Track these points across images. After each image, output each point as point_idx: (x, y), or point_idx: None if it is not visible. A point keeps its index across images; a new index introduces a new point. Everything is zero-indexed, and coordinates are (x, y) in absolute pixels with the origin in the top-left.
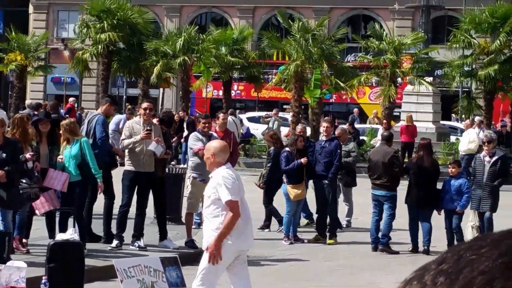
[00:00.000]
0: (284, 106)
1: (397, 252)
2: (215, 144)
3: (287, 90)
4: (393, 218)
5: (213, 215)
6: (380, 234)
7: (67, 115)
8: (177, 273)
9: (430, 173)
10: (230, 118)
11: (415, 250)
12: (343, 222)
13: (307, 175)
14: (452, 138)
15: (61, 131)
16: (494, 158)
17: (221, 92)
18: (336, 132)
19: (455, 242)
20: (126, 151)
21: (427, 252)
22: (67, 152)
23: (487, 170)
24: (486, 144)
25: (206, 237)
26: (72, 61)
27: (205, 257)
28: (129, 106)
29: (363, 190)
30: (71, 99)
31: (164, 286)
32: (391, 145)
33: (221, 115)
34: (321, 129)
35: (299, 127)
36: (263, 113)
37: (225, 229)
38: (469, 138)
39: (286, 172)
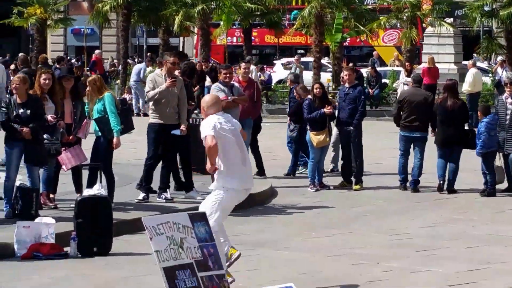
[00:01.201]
0: (299, 51)
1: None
2: (206, 98)
3: (309, 35)
4: (422, 162)
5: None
6: (410, 176)
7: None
8: (206, 228)
9: (455, 113)
10: (252, 66)
11: (440, 188)
12: (330, 167)
13: (331, 121)
14: None
15: (88, 88)
16: (510, 99)
17: (234, 39)
18: (345, 72)
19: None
20: (151, 103)
21: (450, 191)
22: (95, 108)
23: (509, 111)
24: (508, 85)
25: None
26: (92, 13)
27: (210, 199)
28: (149, 54)
29: (386, 133)
30: (97, 51)
31: (193, 242)
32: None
33: (242, 65)
34: (343, 77)
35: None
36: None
37: (208, 157)
38: (466, 78)
39: (308, 120)
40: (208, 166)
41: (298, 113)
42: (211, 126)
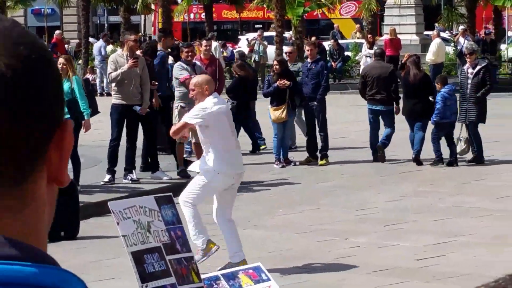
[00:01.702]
0: (256, 26)
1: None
2: (198, 79)
3: (270, 9)
4: (393, 132)
5: (202, 143)
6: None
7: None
8: (172, 211)
9: (417, 85)
10: (214, 43)
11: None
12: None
13: (290, 97)
14: None
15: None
16: (477, 69)
17: (192, 16)
18: (288, 49)
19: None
20: (113, 84)
21: (416, 161)
22: None
23: (470, 81)
24: (468, 56)
25: (198, 161)
26: None
27: (198, 179)
28: (103, 33)
29: (351, 107)
30: (57, 32)
31: (160, 225)
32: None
33: (204, 42)
34: (305, 52)
35: (288, 48)
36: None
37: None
38: (430, 48)
39: (265, 95)
40: (173, 129)
41: (235, 89)
42: (202, 111)
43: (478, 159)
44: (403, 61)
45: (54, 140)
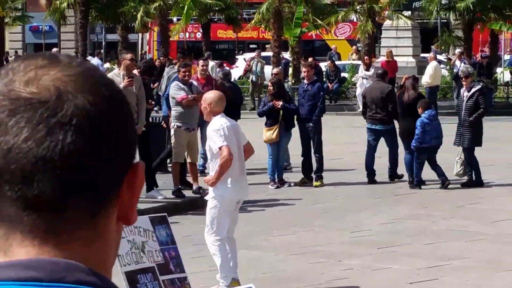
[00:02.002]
0: (251, 46)
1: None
2: (211, 94)
3: (267, 30)
4: (396, 150)
5: (214, 168)
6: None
7: None
8: (167, 231)
9: (411, 106)
10: (211, 63)
11: (410, 183)
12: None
13: (284, 119)
14: None
15: None
16: (471, 92)
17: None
18: (274, 71)
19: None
20: None
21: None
22: None
23: (464, 105)
24: (463, 79)
25: (211, 189)
26: (49, 10)
27: (208, 207)
28: (98, 51)
29: (346, 128)
30: (54, 49)
31: (154, 245)
32: (387, 81)
33: (200, 62)
34: (302, 73)
35: (274, 70)
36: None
37: (219, 170)
38: (426, 71)
39: (259, 115)
40: (210, 178)
41: None
42: (222, 133)
43: (475, 182)
44: (402, 83)
45: (127, 179)
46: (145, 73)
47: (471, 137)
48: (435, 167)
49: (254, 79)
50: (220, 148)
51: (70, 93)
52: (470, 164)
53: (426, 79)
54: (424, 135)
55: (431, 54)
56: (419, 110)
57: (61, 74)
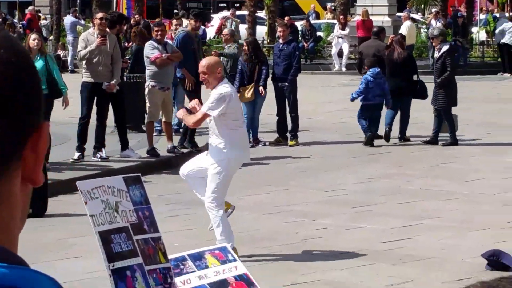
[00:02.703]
0: (220, 5)
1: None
2: (208, 62)
3: None
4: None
5: (212, 131)
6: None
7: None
8: (141, 191)
9: (401, 64)
10: (185, 21)
11: (386, 136)
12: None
13: (256, 78)
14: None
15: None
16: (439, 54)
17: None
18: (224, 32)
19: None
20: (84, 62)
21: (404, 139)
22: None
23: (434, 66)
24: (432, 40)
25: (209, 152)
26: None
27: (211, 173)
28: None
29: (321, 87)
30: (30, 8)
31: (128, 205)
32: (383, 39)
33: (174, 21)
34: (277, 33)
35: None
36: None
37: (185, 118)
38: (401, 31)
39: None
40: (181, 113)
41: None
42: (223, 101)
43: (449, 141)
44: (389, 42)
45: (31, 142)
46: (114, 24)
47: (442, 97)
48: (376, 125)
49: None
50: (202, 113)
51: None
52: (449, 124)
53: None
54: (368, 92)
55: (405, 13)
56: (366, 68)
57: None
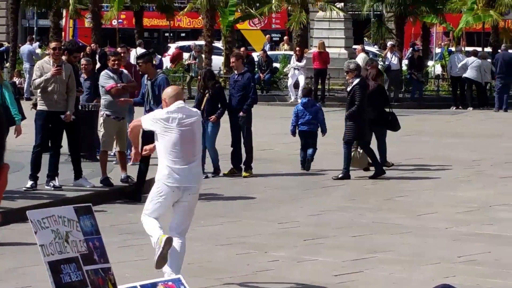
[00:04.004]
0: (166, 34)
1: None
2: (168, 89)
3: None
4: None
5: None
6: None
7: None
8: (91, 221)
9: (373, 96)
10: (133, 51)
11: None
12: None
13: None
14: None
15: None
16: (350, 87)
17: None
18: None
19: None
20: (38, 91)
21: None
22: None
23: (346, 100)
24: (346, 74)
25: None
26: None
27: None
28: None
29: (277, 119)
30: None
31: (78, 235)
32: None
33: (119, 49)
34: (231, 64)
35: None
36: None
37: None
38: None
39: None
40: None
41: None
42: (153, 118)
43: (375, 174)
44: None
45: None
46: (72, 52)
47: (351, 130)
48: (305, 151)
49: (193, 74)
50: (138, 121)
51: None
52: (370, 157)
53: None
54: (297, 121)
55: (359, 47)
56: (301, 95)
57: None
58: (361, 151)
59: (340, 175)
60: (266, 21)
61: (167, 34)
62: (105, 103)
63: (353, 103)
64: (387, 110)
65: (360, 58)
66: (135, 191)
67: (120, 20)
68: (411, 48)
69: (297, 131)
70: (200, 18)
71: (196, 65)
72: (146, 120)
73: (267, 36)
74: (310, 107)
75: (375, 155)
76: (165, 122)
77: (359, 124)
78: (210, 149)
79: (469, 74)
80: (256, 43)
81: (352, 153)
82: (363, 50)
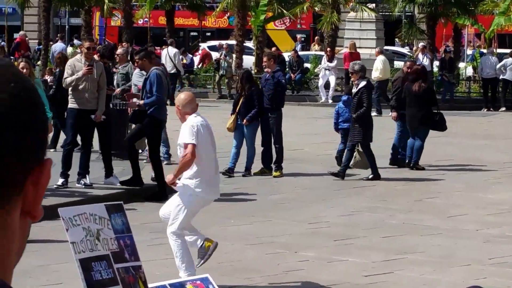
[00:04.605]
0: (192, 33)
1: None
2: (180, 96)
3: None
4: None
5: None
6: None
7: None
8: (122, 219)
9: (420, 96)
10: (164, 50)
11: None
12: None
13: (238, 109)
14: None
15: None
16: (356, 89)
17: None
18: (118, 51)
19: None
20: (70, 89)
21: (416, 168)
22: None
23: (352, 101)
24: (350, 75)
25: (179, 183)
26: None
27: (176, 203)
28: (61, 35)
29: (307, 119)
30: (21, 32)
31: (109, 233)
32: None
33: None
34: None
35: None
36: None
37: (180, 168)
38: (375, 66)
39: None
40: (170, 177)
41: None
42: (193, 131)
43: (371, 176)
44: (406, 71)
45: (33, 176)
46: (104, 57)
47: (357, 132)
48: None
49: (223, 72)
50: (186, 145)
51: None
52: (368, 160)
53: (377, 75)
54: (338, 118)
55: (376, 49)
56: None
57: None
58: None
59: (336, 171)
60: (291, 21)
61: (192, 33)
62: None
63: (360, 105)
64: (435, 110)
65: (380, 60)
66: (160, 191)
67: (145, 19)
68: (443, 49)
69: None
70: (225, 17)
71: (225, 63)
72: (191, 137)
73: (299, 36)
74: (350, 105)
75: (374, 158)
76: (200, 130)
77: (366, 126)
78: (250, 147)
79: (508, 75)
80: (281, 43)
81: (355, 154)
82: (381, 52)
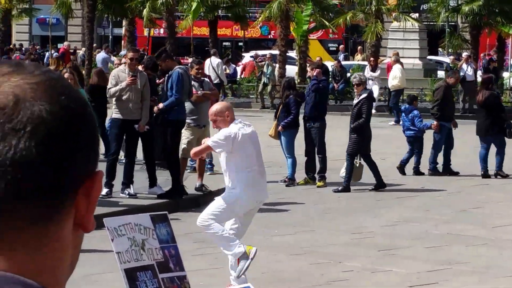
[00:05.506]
0: (240, 44)
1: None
2: (217, 108)
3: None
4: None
5: (223, 170)
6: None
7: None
8: (167, 229)
9: (485, 105)
10: (207, 60)
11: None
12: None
13: (278, 115)
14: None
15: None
16: (357, 100)
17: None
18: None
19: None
20: (114, 99)
21: (500, 175)
22: None
23: (352, 112)
24: (354, 87)
25: (230, 185)
26: (56, 2)
27: (218, 198)
28: (105, 45)
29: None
30: (65, 43)
31: (154, 243)
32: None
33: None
34: (308, 73)
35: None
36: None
37: (199, 150)
38: (393, 74)
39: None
40: (194, 151)
41: None
42: (227, 140)
43: (376, 186)
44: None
45: (84, 188)
46: (148, 68)
47: (353, 142)
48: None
49: (266, 81)
50: (205, 145)
51: (28, 100)
52: (371, 169)
53: (395, 83)
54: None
55: (392, 58)
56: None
57: (22, 82)
58: (357, 164)
59: (340, 188)
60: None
61: (225, 43)
62: (187, 110)
63: (359, 115)
64: (503, 116)
65: (398, 69)
66: (176, 190)
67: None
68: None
69: None
70: (257, 27)
71: (269, 69)
72: (217, 144)
73: (341, 46)
74: (408, 114)
75: (377, 167)
76: (236, 139)
77: (363, 137)
78: (288, 156)
79: None
80: (313, 53)
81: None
82: (398, 61)
